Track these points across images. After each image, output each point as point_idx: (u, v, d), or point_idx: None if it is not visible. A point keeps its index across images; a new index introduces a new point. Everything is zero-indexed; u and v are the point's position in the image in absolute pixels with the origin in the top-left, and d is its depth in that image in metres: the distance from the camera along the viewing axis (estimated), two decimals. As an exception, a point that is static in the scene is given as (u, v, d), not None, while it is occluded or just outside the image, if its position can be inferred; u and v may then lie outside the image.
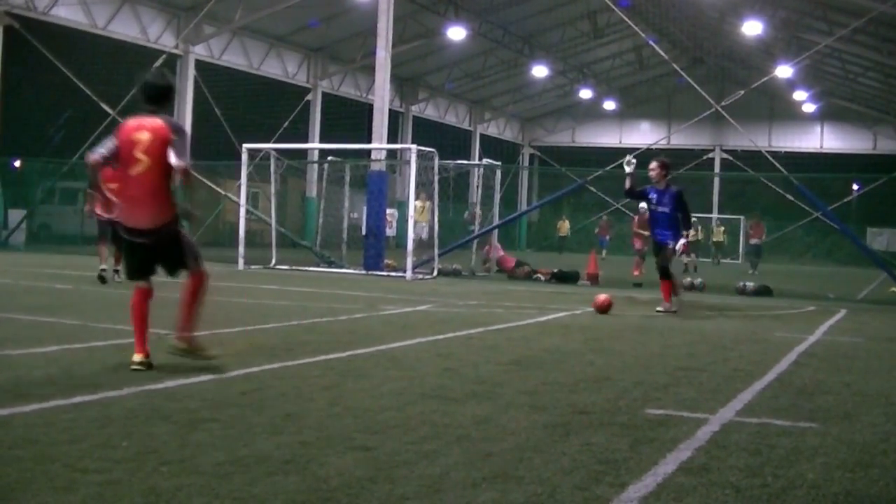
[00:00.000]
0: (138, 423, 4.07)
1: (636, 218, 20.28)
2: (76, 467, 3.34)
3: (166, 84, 5.94)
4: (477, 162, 32.91)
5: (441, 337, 7.73)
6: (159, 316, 8.48)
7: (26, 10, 23.99)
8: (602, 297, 10.72)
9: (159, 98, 5.76)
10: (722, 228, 35.51)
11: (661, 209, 11.00)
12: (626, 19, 26.10)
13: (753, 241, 25.82)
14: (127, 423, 4.06)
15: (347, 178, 19.94)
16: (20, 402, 4.41)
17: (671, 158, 12.38)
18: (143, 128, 5.59)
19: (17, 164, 25.82)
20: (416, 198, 19.76)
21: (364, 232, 18.38)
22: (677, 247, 10.86)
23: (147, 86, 5.79)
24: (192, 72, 28.45)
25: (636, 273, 18.95)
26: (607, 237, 33.51)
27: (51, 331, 7.19)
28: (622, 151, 37.18)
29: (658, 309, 10.90)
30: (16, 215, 23.66)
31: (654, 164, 11.16)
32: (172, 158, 5.48)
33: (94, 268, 12.41)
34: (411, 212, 17.39)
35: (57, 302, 9.77)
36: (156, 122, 5.59)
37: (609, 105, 45.84)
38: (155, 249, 5.74)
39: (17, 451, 3.54)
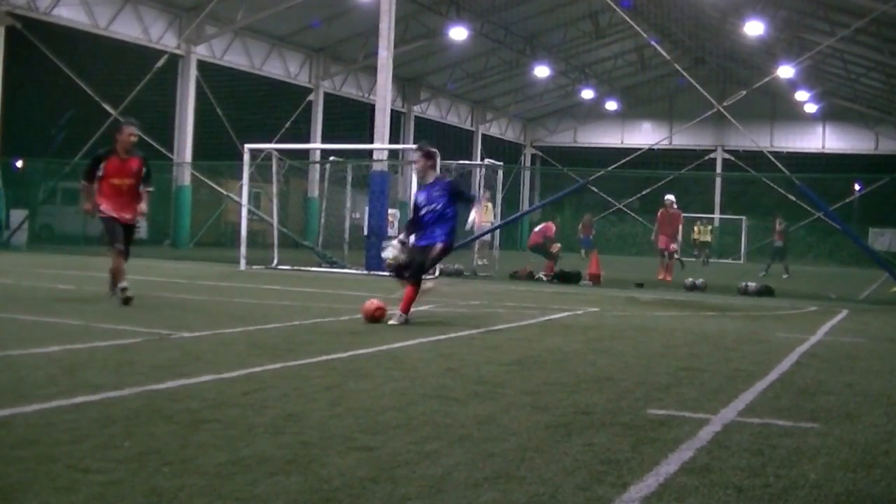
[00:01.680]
0: (140, 424, 4.07)
1: (659, 213, 19.93)
2: (78, 467, 3.34)
3: None
4: (479, 162, 32.90)
5: (443, 337, 7.73)
6: (162, 317, 8.46)
7: (28, 11, 24.02)
8: (372, 303, 8.66)
9: None
10: (709, 228, 35.38)
11: (430, 208, 8.82)
12: (628, 20, 26.11)
13: (777, 242, 25.57)
14: (128, 424, 4.06)
15: (349, 179, 19.96)
16: (22, 402, 4.41)
17: (673, 158, 12.11)
18: None
19: (20, 164, 25.85)
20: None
21: (366, 232, 18.41)
22: (469, 221, 8.83)
23: None
24: (193, 72, 28.49)
25: (660, 277, 18.77)
26: (590, 236, 33.05)
27: (52, 331, 7.19)
28: (624, 151, 37.13)
29: (391, 322, 8.45)
30: (18, 216, 23.69)
31: (416, 155, 9.21)
32: None
33: (96, 268, 12.38)
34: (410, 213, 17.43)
35: (59, 302, 9.78)
36: None
37: (611, 105, 45.86)
38: None
39: (19, 451, 3.54)
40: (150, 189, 10.02)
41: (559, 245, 18.47)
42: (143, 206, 9.83)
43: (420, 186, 9.21)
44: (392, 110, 19.97)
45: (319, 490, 3.17)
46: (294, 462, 3.51)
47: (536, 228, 18.71)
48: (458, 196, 9.03)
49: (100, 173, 9.67)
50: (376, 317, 8.48)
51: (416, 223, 9.00)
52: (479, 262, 19.09)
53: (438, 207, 8.79)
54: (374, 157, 18.77)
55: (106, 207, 9.62)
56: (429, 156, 9.11)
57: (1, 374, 5.20)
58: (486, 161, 22.22)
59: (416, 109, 40.00)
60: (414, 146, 17.43)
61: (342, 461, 3.55)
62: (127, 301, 9.18)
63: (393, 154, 21.65)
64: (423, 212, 8.87)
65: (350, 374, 5.64)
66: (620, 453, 3.83)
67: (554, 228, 18.25)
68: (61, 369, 5.38)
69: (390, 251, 9.03)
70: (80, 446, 3.63)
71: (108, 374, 5.32)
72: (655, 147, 35.43)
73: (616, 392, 5.31)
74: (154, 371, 5.42)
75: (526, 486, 3.31)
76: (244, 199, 19.18)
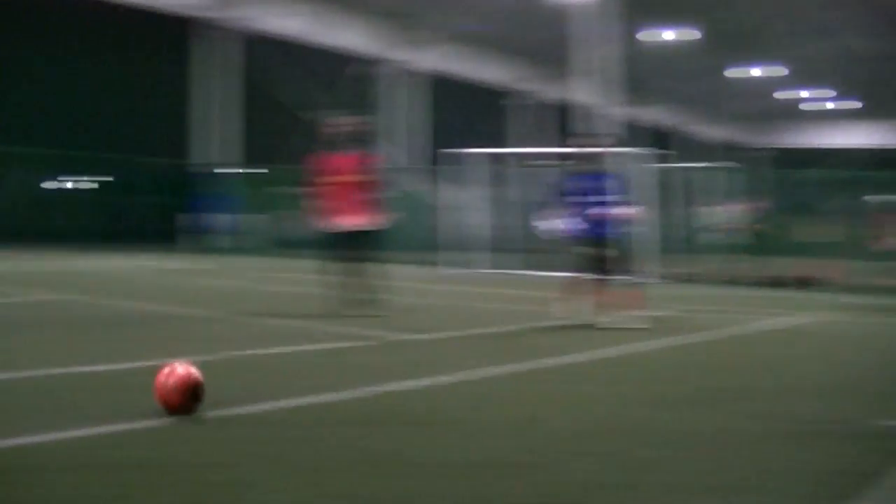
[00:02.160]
0: (369, 425, 4.21)
1: (880, 216, 18.18)
2: (295, 466, 3.47)
3: None
4: (716, 164, 31.82)
5: (667, 342, 7.61)
6: (377, 321, 8.54)
7: (257, 24, 26.04)
8: (174, 379, 4.19)
9: None
10: None
11: (600, 199, 8.41)
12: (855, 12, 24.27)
13: None
14: (367, 426, 4.21)
15: (549, 182, 19.96)
16: (252, 401, 4.67)
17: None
18: None
19: (260, 171, 27.85)
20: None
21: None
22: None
23: None
24: (403, 80, 29.57)
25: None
26: (798, 239, 31.06)
27: (277, 332, 7.63)
28: (862, 153, 34.13)
29: (601, 326, 8.21)
30: (258, 221, 25.53)
31: (608, 141, 8.92)
32: None
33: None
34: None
35: (291, 305, 10.20)
36: None
37: (844, 105, 42.94)
38: None
39: (246, 446, 3.81)
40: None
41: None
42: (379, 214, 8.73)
43: (579, 173, 8.59)
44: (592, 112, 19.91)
45: (555, 494, 3.23)
46: (526, 465, 3.58)
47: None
48: (622, 194, 8.55)
49: (320, 177, 8.78)
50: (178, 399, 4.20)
51: (576, 209, 8.49)
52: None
53: (607, 200, 8.43)
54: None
55: (327, 215, 8.65)
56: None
57: (248, 373, 5.64)
58: (716, 164, 21.57)
59: (630, 112, 39.28)
60: (633, 149, 17.17)
61: (577, 466, 3.60)
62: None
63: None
64: (588, 199, 8.41)
65: (580, 377, 5.75)
66: (846, 464, 3.73)
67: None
68: (283, 371, 5.73)
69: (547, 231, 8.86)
70: (305, 447, 3.78)
71: (332, 375, 5.55)
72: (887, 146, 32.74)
73: (841, 401, 5.15)
74: (379, 373, 5.59)
75: (747, 496, 3.30)
76: (447, 203, 19.69)
